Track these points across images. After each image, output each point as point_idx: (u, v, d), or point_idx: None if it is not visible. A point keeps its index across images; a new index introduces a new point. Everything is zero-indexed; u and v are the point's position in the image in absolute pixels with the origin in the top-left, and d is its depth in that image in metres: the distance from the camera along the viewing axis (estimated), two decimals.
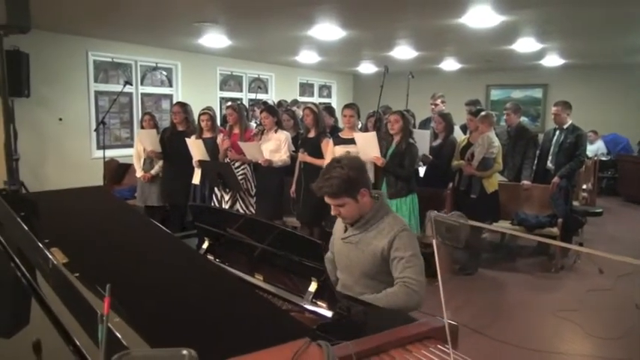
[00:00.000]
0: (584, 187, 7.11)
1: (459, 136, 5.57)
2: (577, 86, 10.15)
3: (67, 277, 1.37)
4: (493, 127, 5.12)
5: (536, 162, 5.79)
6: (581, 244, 5.54)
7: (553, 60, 9.24)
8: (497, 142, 4.99)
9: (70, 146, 7.04)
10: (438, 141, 5.40)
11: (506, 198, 5.44)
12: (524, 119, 10.35)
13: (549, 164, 5.55)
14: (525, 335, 3.61)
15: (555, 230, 5.11)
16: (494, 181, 5.05)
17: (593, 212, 6.36)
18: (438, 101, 6.12)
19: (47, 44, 6.57)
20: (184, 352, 0.80)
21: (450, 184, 5.21)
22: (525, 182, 5.49)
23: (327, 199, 2.17)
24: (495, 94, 11.58)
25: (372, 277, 2.15)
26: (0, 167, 3.36)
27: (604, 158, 9.43)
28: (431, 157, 5.27)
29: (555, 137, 5.53)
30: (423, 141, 5.11)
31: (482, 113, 5.13)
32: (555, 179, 5.31)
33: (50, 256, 1.49)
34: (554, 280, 4.99)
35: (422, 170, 5.40)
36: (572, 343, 3.63)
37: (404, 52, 8.22)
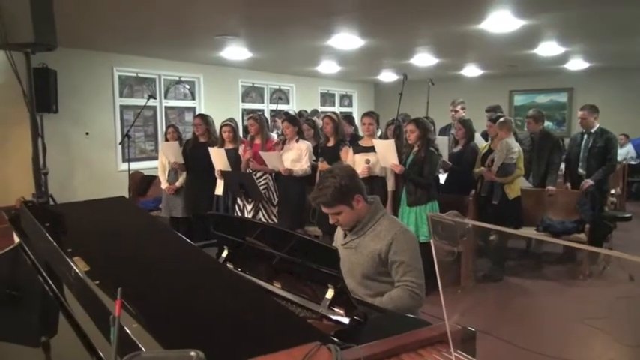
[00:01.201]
0: (613, 191, 6.94)
1: (479, 142, 5.52)
2: (603, 89, 9.94)
3: (88, 284, 1.41)
4: (513, 133, 5.07)
5: (563, 167, 5.69)
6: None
7: (577, 63, 9.08)
8: (516, 148, 4.93)
9: (97, 159, 7.21)
10: (459, 148, 5.36)
11: (531, 204, 5.35)
12: (549, 124, 10.26)
13: (580, 170, 5.44)
14: (552, 343, 3.53)
15: (582, 236, 5.00)
16: (516, 187, 4.98)
17: (622, 217, 6.20)
18: (458, 107, 6.08)
19: (74, 61, 6.77)
20: (192, 353, 0.82)
21: (473, 191, 5.16)
22: (550, 188, 5.39)
23: (324, 209, 2.24)
24: (519, 100, 11.42)
25: (373, 279, 2.21)
26: (29, 180, 3.46)
27: (633, 162, 9.20)
28: (450, 163, 5.22)
29: (584, 142, 5.43)
30: (441, 148, 5.09)
31: (501, 119, 5.09)
32: (587, 181, 5.20)
33: (73, 265, 1.54)
34: (582, 287, 4.87)
35: (442, 177, 5.36)
36: (601, 351, 3.54)
37: (424, 59, 8.20)
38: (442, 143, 5.22)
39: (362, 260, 2.22)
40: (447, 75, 10.39)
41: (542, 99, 11.14)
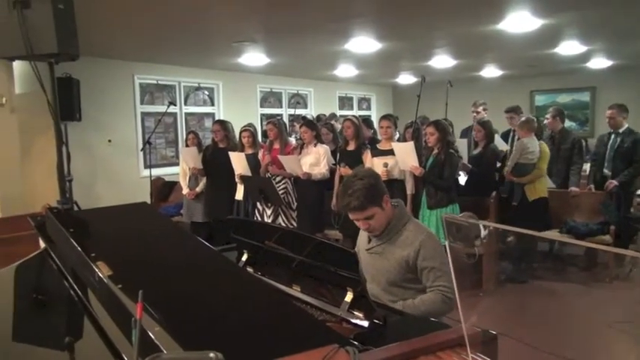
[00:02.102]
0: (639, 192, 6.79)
1: (500, 144, 5.47)
2: (627, 88, 9.71)
3: (111, 288, 1.44)
4: (534, 133, 5.01)
5: (588, 168, 5.59)
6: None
7: (600, 62, 8.91)
8: (534, 148, 4.87)
9: (119, 166, 7.33)
10: (479, 149, 5.32)
11: (555, 205, 5.26)
12: (571, 124, 10.08)
13: (606, 170, 5.33)
14: (576, 347, 3.45)
15: (608, 238, 4.90)
16: (537, 188, 4.92)
17: None
18: (480, 109, 6.03)
19: (96, 70, 6.91)
20: (212, 354, 0.83)
21: (494, 193, 5.10)
22: (573, 189, 5.30)
23: (353, 215, 2.17)
24: (540, 100, 11.25)
25: (398, 285, 2.17)
26: (54, 187, 3.54)
27: None
28: (470, 166, 5.18)
29: (610, 141, 5.32)
30: (462, 150, 5.06)
31: (522, 119, 5.03)
32: (612, 181, 5.10)
33: (96, 270, 1.57)
34: (608, 290, 4.77)
35: (462, 179, 5.32)
36: (628, 356, 3.46)
37: (442, 61, 8.15)
38: (462, 145, 5.18)
39: (388, 267, 2.18)
40: (465, 76, 10.31)
41: (564, 98, 10.96)
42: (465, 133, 6.18)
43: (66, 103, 5.59)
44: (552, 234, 5.11)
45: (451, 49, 7.37)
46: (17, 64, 4.94)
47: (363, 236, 2.36)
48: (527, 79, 10.92)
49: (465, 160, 5.14)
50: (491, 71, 10.02)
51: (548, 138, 5.57)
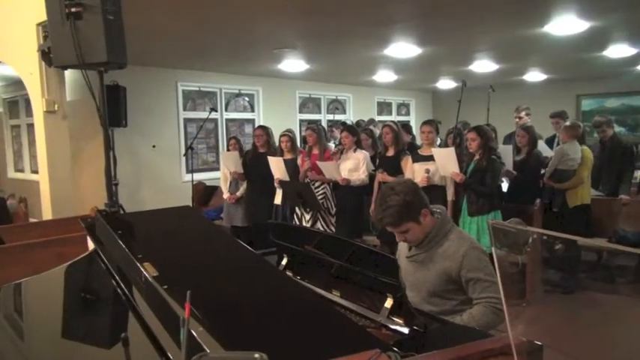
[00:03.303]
0: None
1: (543, 149, 5.32)
2: None
3: (156, 289, 1.49)
4: (577, 138, 4.85)
5: (638, 176, 5.37)
6: None
7: None
8: (574, 154, 4.72)
9: (163, 170, 7.54)
10: (522, 155, 5.18)
11: (603, 214, 5.07)
12: (620, 130, 9.69)
13: None
14: None
15: None
16: (579, 195, 4.76)
17: None
18: (523, 114, 5.88)
19: (141, 77, 7.14)
20: (256, 355, 0.84)
21: (538, 200, 4.96)
22: (624, 197, 5.09)
23: (389, 229, 2.16)
24: (587, 104, 10.88)
25: (439, 295, 2.12)
26: (102, 191, 3.68)
27: None
28: (514, 172, 5.06)
29: None
30: (505, 156, 4.94)
31: (567, 123, 4.89)
32: None
33: (143, 270, 1.62)
34: None
35: (504, 186, 5.20)
36: None
37: (484, 65, 8.01)
38: (506, 151, 5.06)
39: (429, 277, 2.14)
40: (508, 81, 10.09)
41: (612, 103, 10.56)
42: (509, 138, 6.04)
43: (113, 110, 5.78)
44: (603, 242, 4.92)
45: (493, 54, 7.23)
46: (68, 72, 5.16)
47: (403, 243, 2.32)
48: (574, 83, 10.59)
49: (510, 166, 5.02)
50: (535, 75, 9.78)
51: (598, 144, 5.39)
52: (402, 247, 2.35)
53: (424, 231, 2.14)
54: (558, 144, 5.46)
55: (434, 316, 1.87)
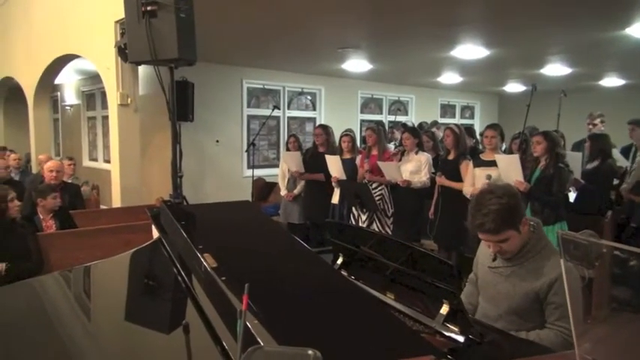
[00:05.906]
0: None
1: (618, 159, 5.01)
2: None
3: (215, 280, 1.53)
4: None
5: None
6: None
7: None
8: None
9: (225, 165, 7.76)
10: (594, 164, 4.91)
11: None
12: None
13: None
14: None
15: None
16: None
17: None
18: (597, 121, 5.59)
19: (208, 74, 7.37)
20: (310, 352, 0.85)
21: (609, 213, 4.68)
22: None
23: (484, 237, 1.94)
24: None
25: (520, 315, 1.94)
26: (167, 182, 3.83)
27: None
28: (582, 181, 4.79)
29: None
30: (573, 164, 4.69)
31: None
32: None
33: (203, 261, 1.67)
34: None
35: (571, 196, 4.94)
36: None
37: (556, 69, 7.67)
38: (574, 159, 4.81)
39: (512, 294, 1.95)
40: (581, 85, 9.59)
41: None
42: (578, 146, 5.75)
43: (181, 105, 6.00)
44: None
45: (566, 57, 6.90)
46: (141, 68, 5.42)
47: (486, 249, 2.09)
48: None
49: (577, 175, 4.77)
50: (611, 80, 9.24)
51: None
52: (484, 254, 2.14)
53: (522, 241, 1.93)
54: (635, 153, 5.14)
55: (491, 326, 1.81)
